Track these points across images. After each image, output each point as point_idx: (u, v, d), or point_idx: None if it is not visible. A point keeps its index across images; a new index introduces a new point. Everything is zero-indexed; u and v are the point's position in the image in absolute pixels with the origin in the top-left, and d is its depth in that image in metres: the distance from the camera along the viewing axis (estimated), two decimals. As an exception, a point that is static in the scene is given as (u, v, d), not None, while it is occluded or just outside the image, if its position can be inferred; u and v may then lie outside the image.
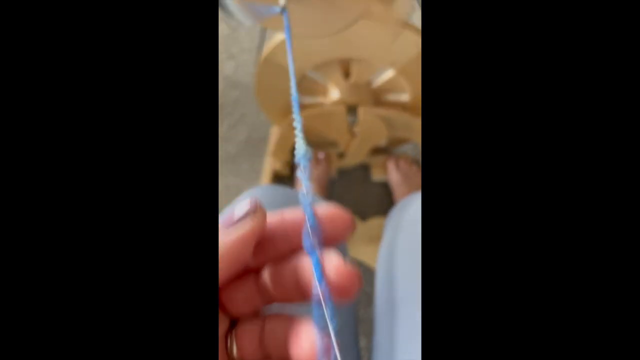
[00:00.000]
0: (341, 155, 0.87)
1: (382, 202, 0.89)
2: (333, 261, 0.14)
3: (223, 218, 0.15)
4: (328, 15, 0.46)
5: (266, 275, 0.16)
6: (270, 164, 0.88)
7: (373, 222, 0.85)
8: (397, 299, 0.35)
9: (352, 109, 0.74)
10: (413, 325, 0.32)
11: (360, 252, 0.81)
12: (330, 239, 0.15)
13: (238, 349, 0.16)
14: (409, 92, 0.69)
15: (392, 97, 0.74)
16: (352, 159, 0.85)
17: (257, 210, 0.15)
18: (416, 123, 0.72)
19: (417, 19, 0.60)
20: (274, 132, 0.84)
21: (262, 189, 0.42)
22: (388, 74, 0.69)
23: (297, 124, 0.18)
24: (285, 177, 0.88)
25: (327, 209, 0.15)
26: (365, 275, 0.82)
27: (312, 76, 0.72)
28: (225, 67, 1.05)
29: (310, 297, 0.14)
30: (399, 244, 0.38)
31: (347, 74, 0.71)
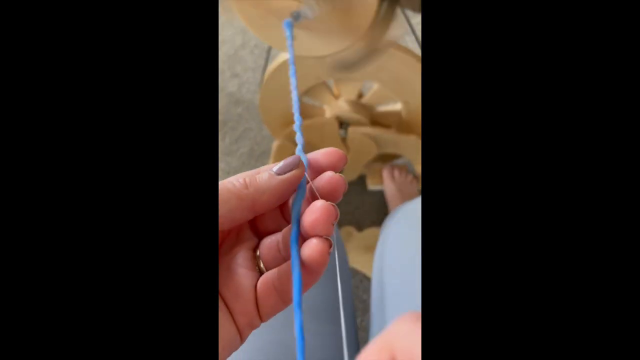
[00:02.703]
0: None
1: (378, 213, 0.93)
2: (326, 175, 0.21)
3: (274, 167, 0.21)
4: (328, 37, 0.50)
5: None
6: (272, 176, 0.92)
7: (369, 232, 0.89)
8: (386, 302, 0.39)
9: (343, 124, 0.79)
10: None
11: (357, 261, 0.85)
12: (328, 168, 0.21)
13: (262, 259, 0.21)
14: (400, 101, 0.73)
15: (385, 108, 0.79)
16: (348, 175, 0.89)
17: (299, 165, 0.21)
18: (402, 139, 0.77)
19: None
20: (275, 146, 0.89)
21: None
22: (375, 87, 0.73)
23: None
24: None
25: (322, 150, 0.22)
26: (362, 283, 0.86)
27: (307, 101, 0.77)
28: (230, 84, 1.10)
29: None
30: (387, 247, 0.42)
31: (337, 94, 0.76)
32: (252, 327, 0.21)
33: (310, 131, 0.79)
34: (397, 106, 0.77)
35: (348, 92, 0.74)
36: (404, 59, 0.61)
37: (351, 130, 0.76)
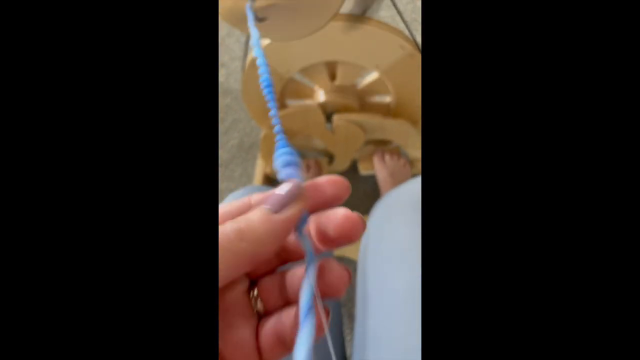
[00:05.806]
0: (331, 160, 0.90)
1: (371, 200, 0.91)
2: (338, 211, 0.17)
3: (269, 200, 0.17)
4: (301, 18, 0.48)
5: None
6: (261, 167, 0.91)
7: (362, 220, 0.87)
8: (368, 292, 0.37)
9: (329, 116, 0.77)
10: (381, 316, 0.34)
11: (349, 249, 0.84)
12: (332, 200, 0.18)
13: (262, 301, 0.19)
14: (392, 95, 0.72)
15: (375, 99, 0.77)
16: (341, 164, 0.88)
17: (302, 195, 0.17)
18: (389, 124, 0.75)
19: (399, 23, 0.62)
20: (262, 136, 0.87)
21: (250, 189, 0.45)
22: (372, 77, 0.71)
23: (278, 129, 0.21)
24: (275, 180, 0.91)
25: (326, 178, 0.18)
26: (356, 273, 0.84)
27: (299, 79, 0.75)
28: (216, 75, 1.08)
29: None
30: (369, 237, 0.41)
31: (333, 77, 0.74)
32: None
33: (294, 119, 0.77)
34: (387, 99, 0.75)
35: (346, 75, 0.72)
36: (398, 42, 0.59)
37: (336, 117, 0.74)
